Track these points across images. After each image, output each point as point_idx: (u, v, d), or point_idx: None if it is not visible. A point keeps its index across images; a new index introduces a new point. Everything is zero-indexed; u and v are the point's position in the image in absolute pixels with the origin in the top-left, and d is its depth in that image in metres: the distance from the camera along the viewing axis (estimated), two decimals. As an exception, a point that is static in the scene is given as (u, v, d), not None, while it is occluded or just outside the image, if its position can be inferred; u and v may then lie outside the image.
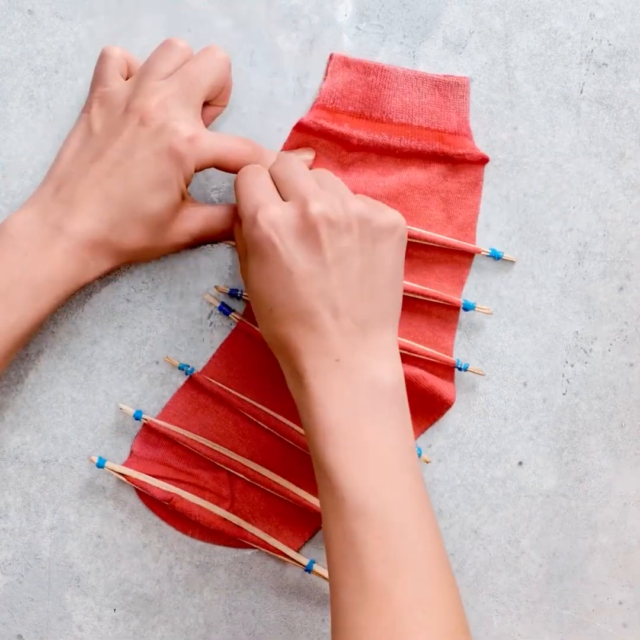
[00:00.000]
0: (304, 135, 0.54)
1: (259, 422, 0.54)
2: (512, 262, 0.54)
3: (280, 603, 0.55)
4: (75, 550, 0.54)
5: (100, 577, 0.54)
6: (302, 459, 0.54)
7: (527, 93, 0.55)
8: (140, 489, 0.53)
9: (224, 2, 0.54)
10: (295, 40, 0.54)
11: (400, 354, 0.49)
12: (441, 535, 0.44)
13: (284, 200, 0.46)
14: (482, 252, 0.54)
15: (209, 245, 0.54)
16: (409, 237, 0.52)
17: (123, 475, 0.53)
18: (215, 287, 0.54)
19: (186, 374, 0.54)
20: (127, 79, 0.51)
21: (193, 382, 0.54)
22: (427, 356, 0.54)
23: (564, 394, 0.55)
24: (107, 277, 0.54)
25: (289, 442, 0.54)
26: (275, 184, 0.48)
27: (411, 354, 0.53)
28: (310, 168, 0.53)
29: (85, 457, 0.54)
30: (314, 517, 0.54)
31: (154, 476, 0.53)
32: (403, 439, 0.44)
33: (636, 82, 0.55)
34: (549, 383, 0.55)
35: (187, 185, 0.49)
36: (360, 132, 0.53)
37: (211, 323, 0.54)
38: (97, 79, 0.51)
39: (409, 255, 0.53)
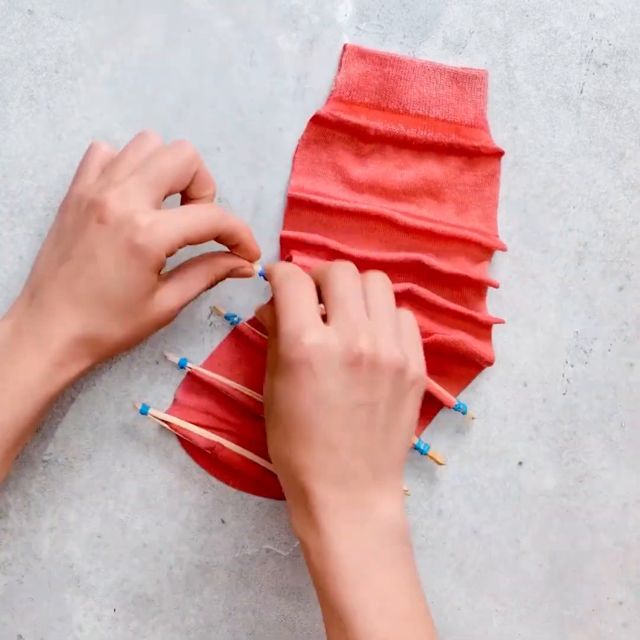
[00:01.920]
0: (321, 128, 0.54)
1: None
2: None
3: (280, 603, 0.55)
4: (75, 550, 0.54)
5: (100, 577, 0.54)
6: None
7: (527, 93, 0.55)
8: (182, 436, 0.53)
9: (224, 2, 0.54)
10: (295, 40, 0.54)
11: (439, 312, 0.52)
12: None
13: (326, 314, 0.46)
14: (502, 249, 0.54)
15: (209, 245, 0.54)
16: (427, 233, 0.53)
17: (166, 422, 0.53)
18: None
19: (231, 323, 0.54)
20: None
21: (237, 333, 0.54)
22: (464, 316, 0.54)
23: (564, 394, 0.55)
24: None
25: None
26: (319, 288, 0.47)
27: (449, 309, 0.54)
28: (328, 164, 0.54)
29: (86, 457, 0.54)
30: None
31: (196, 424, 0.53)
32: (412, 581, 0.45)
33: (636, 82, 0.55)
34: (549, 383, 0.55)
35: (159, 271, 0.47)
36: (377, 123, 0.53)
37: (211, 323, 0.54)
38: (77, 174, 0.50)
39: (428, 250, 0.54)
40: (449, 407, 0.54)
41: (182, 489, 0.54)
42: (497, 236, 0.54)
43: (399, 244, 0.54)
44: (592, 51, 0.55)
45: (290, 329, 0.44)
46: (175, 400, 0.54)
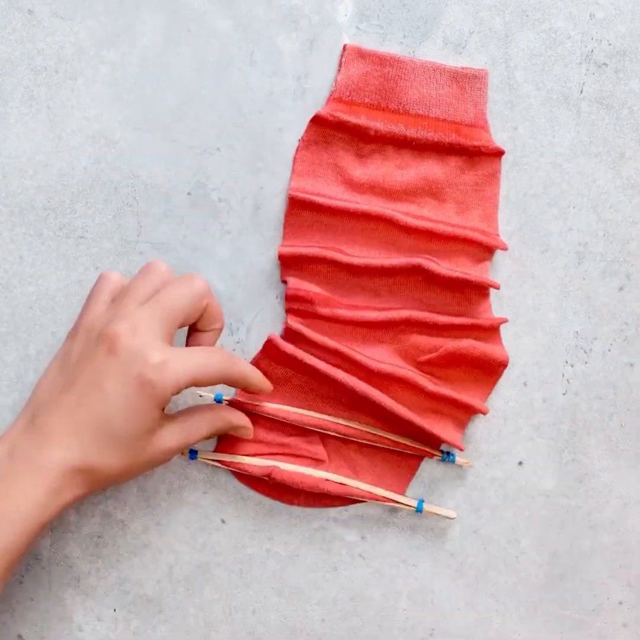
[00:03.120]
0: (321, 128, 0.54)
1: (338, 376, 0.53)
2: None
3: (280, 603, 0.55)
4: (75, 551, 0.54)
5: (100, 577, 0.54)
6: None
7: (527, 93, 0.55)
8: (237, 471, 0.53)
9: (224, 2, 0.54)
10: (295, 40, 0.54)
11: (443, 330, 0.53)
12: None
13: None
14: (503, 248, 0.54)
15: (209, 245, 0.54)
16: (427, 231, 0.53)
17: (218, 461, 0.53)
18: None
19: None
20: None
21: (265, 353, 0.54)
22: (467, 326, 0.54)
23: (564, 394, 0.55)
24: None
25: (371, 393, 0.53)
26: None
27: (453, 324, 0.54)
28: (329, 165, 0.54)
29: None
30: (411, 458, 0.54)
31: (247, 455, 0.53)
32: None
33: (636, 82, 0.55)
34: (549, 383, 0.55)
35: (163, 409, 0.47)
36: (377, 124, 0.53)
37: None
38: (87, 303, 0.50)
39: (429, 250, 0.54)
40: (483, 414, 0.54)
41: (182, 489, 0.54)
42: (498, 236, 0.55)
43: (400, 244, 0.54)
44: (592, 51, 0.55)
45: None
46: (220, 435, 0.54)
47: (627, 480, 0.55)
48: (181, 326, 0.48)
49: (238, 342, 0.54)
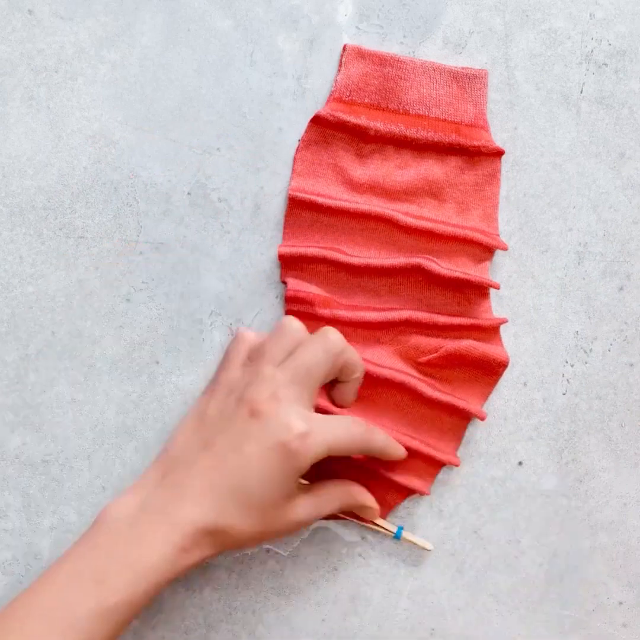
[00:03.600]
0: (321, 128, 0.54)
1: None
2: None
3: (280, 603, 0.55)
4: None
5: None
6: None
7: (527, 93, 0.55)
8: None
9: (224, 2, 0.54)
10: (295, 40, 0.54)
11: (443, 330, 0.53)
12: None
13: None
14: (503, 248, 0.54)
15: (209, 245, 0.54)
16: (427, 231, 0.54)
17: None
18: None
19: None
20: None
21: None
22: (467, 326, 0.54)
23: (563, 394, 0.55)
24: (107, 277, 0.54)
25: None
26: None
27: (452, 324, 0.54)
28: (329, 165, 0.54)
29: (86, 457, 0.54)
30: (397, 487, 0.54)
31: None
32: None
33: (636, 82, 0.55)
34: (549, 383, 0.55)
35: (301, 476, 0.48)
36: (377, 124, 0.54)
37: (211, 323, 0.55)
38: (224, 362, 0.50)
39: (430, 250, 0.54)
40: (481, 419, 0.54)
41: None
42: (498, 235, 0.55)
43: (400, 244, 0.54)
44: (592, 51, 0.55)
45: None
46: None
47: (627, 480, 0.55)
48: (322, 384, 0.49)
49: None
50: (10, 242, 0.54)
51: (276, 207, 0.55)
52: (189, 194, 0.55)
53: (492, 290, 0.55)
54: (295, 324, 0.49)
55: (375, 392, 0.54)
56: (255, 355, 0.49)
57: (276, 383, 0.47)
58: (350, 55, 0.54)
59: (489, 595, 0.55)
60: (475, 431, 0.55)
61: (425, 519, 0.55)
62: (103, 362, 0.54)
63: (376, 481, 0.54)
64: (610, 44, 0.55)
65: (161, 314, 0.55)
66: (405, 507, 0.55)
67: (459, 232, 0.53)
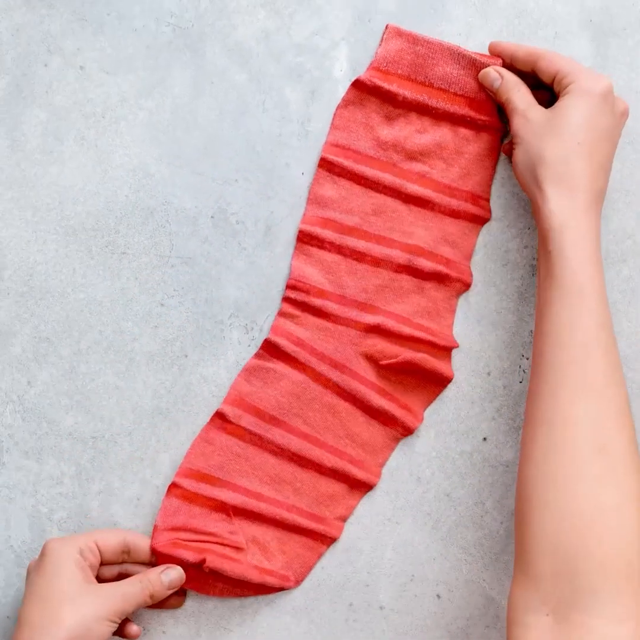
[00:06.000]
0: (359, 92, 0.61)
1: (276, 440, 0.61)
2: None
3: (280, 603, 0.61)
4: (119, 511, 0.62)
5: (139, 532, 0.61)
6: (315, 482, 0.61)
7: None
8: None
9: (241, 60, 0.62)
10: (300, 91, 0.62)
11: (407, 340, 0.59)
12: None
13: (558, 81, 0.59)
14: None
15: (229, 260, 0.63)
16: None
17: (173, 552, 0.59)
18: None
19: None
20: None
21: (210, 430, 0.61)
22: (425, 341, 0.61)
23: (520, 382, 0.62)
24: (144, 286, 0.62)
25: (304, 452, 0.61)
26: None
27: (414, 336, 0.61)
28: (361, 123, 0.61)
29: (127, 434, 0.61)
30: (318, 545, 0.61)
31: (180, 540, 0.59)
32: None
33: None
34: (508, 373, 0.62)
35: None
36: (406, 92, 0.60)
37: (230, 324, 0.62)
38: None
39: (426, 226, 0.61)
40: (412, 431, 0.61)
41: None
42: (489, 200, 0.62)
43: (402, 219, 0.61)
44: None
45: (587, 75, 0.56)
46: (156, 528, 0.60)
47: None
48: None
49: (253, 339, 0.62)
50: (65, 257, 0.62)
51: (284, 228, 0.62)
52: (212, 217, 0.63)
53: (462, 297, 0.62)
54: None
55: (312, 403, 0.61)
56: None
57: None
58: (391, 33, 0.61)
59: (459, 548, 0.62)
60: (448, 412, 0.62)
61: (406, 484, 0.62)
62: (141, 356, 0.62)
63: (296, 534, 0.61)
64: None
65: (189, 316, 0.62)
66: (386, 477, 0.62)
67: (454, 204, 0.61)
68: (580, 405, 0.51)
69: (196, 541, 0.59)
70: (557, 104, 0.57)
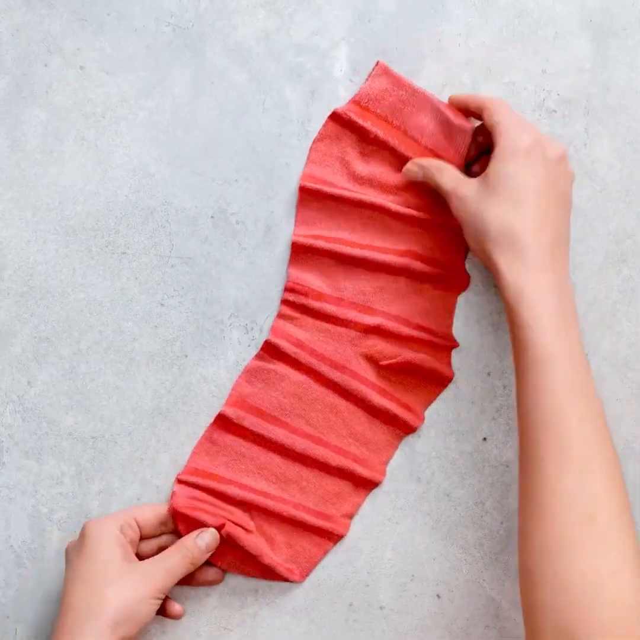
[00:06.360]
0: (335, 126, 0.61)
1: (279, 439, 0.62)
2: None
3: (280, 603, 0.62)
4: None
5: None
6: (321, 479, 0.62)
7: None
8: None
9: (241, 60, 0.63)
10: (300, 91, 0.63)
11: (406, 341, 0.60)
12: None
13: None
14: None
15: (228, 260, 0.63)
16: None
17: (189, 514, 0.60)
18: None
19: None
20: None
21: (214, 428, 0.62)
22: (428, 340, 0.62)
23: None
24: (144, 286, 0.63)
25: (309, 451, 0.61)
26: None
27: (413, 337, 0.61)
28: (337, 157, 0.61)
29: (127, 434, 0.62)
30: (324, 543, 0.62)
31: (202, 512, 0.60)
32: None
33: (580, 125, 0.64)
34: (508, 373, 0.63)
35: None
36: (378, 131, 0.61)
37: (230, 324, 0.63)
38: None
39: (414, 233, 0.62)
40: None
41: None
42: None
43: (391, 229, 0.62)
44: (543, 100, 0.64)
45: (513, 132, 0.56)
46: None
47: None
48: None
49: (253, 339, 0.63)
50: (65, 257, 0.63)
51: (283, 228, 0.63)
52: (212, 217, 0.63)
53: (462, 299, 0.63)
54: None
55: (314, 404, 0.62)
56: None
57: None
58: (379, 71, 0.62)
59: (459, 548, 0.63)
60: (448, 412, 0.63)
61: (406, 484, 0.63)
62: (141, 356, 0.63)
63: (302, 528, 0.61)
64: (558, 94, 0.64)
65: (189, 316, 0.63)
66: (386, 477, 0.63)
67: (437, 218, 0.62)
68: (566, 476, 0.51)
69: (213, 512, 0.60)
70: (486, 171, 0.57)
